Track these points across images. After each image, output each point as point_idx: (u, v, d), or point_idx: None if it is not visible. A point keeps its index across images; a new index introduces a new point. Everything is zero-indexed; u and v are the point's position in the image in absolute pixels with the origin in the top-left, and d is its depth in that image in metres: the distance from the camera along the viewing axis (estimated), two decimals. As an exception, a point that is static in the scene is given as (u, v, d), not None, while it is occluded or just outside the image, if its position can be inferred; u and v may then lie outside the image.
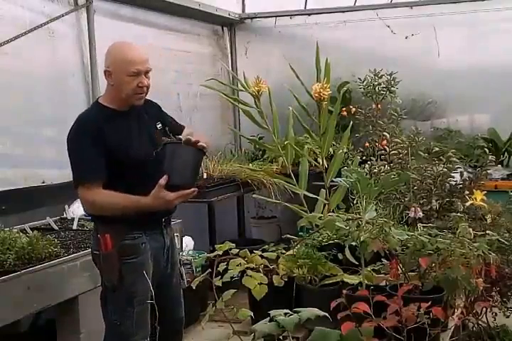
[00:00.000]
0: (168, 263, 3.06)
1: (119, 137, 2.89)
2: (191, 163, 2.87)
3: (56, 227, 4.01)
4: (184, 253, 4.75)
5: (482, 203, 2.71)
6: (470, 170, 3.34)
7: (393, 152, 3.41)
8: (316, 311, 1.93)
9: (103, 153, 2.81)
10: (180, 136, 2.97)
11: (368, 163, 3.54)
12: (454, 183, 3.19)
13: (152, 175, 2.86)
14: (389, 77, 5.73)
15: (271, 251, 2.60)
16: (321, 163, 2.34)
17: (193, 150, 2.82)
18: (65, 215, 4.33)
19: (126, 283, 2.85)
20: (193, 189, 2.85)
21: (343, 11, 6.58)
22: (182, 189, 2.82)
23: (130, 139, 2.93)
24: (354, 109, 5.69)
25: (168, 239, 3.05)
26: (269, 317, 1.92)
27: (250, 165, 6.04)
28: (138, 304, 2.87)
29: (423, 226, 2.55)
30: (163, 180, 2.76)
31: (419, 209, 2.77)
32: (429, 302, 1.87)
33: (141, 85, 2.87)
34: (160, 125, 3.09)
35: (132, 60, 2.86)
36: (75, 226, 4.05)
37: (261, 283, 2.26)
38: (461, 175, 3.25)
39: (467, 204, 2.88)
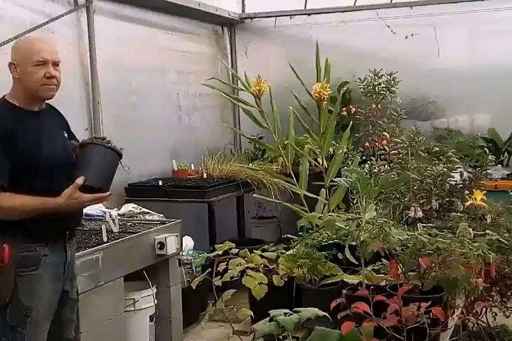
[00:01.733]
0: (67, 280, 2.82)
1: (30, 140, 2.66)
2: (111, 166, 2.79)
3: (56, 227, 4.01)
4: (184, 253, 4.75)
5: (482, 203, 2.71)
6: (470, 170, 3.34)
7: (393, 152, 3.41)
8: (316, 311, 1.93)
9: (10, 156, 2.56)
10: (104, 136, 2.88)
11: (368, 163, 3.54)
12: (454, 183, 3.19)
13: (59, 185, 2.66)
14: (389, 77, 5.73)
15: (271, 251, 2.60)
16: (321, 163, 2.34)
17: (114, 154, 2.76)
18: (65, 215, 4.33)
19: (20, 298, 2.58)
20: (109, 192, 2.74)
21: (343, 11, 6.58)
22: (98, 191, 2.69)
23: (41, 143, 2.69)
24: (354, 109, 5.68)
25: (69, 253, 2.82)
26: (269, 317, 1.92)
27: (250, 165, 6.04)
28: (32, 324, 2.60)
29: (423, 226, 2.55)
30: (80, 180, 2.61)
31: (419, 209, 2.77)
32: (429, 302, 1.87)
33: (48, 75, 2.66)
34: (66, 135, 2.87)
35: (38, 49, 2.68)
36: (74, 226, 4.05)
37: (261, 283, 2.26)
38: (461, 175, 3.25)
39: (467, 204, 2.87)
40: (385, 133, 3.79)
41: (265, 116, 2.34)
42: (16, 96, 2.71)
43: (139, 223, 4.27)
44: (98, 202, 2.79)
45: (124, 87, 5.40)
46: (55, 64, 2.71)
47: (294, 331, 1.90)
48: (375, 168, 3.36)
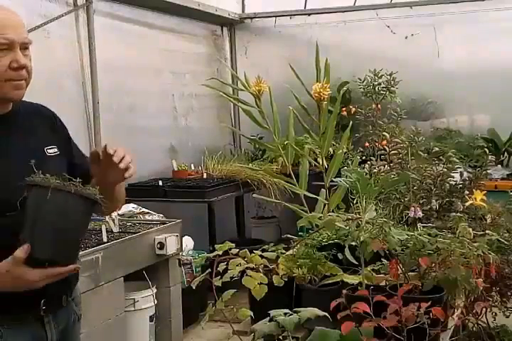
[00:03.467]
0: None
1: None
2: (73, 224, 1.74)
3: (56, 227, 4.02)
4: (184, 253, 4.75)
5: (482, 203, 2.71)
6: (470, 170, 3.34)
7: (393, 152, 3.41)
8: (316, 311, 1.93)
9: None
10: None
11: (368, 163, 3.54)
12: (453, 183, 3.19)
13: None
14: (389, 77, 5.73)
15: (271, 251, 2.59)
16: (321, 163, 2.33)
17: (79, 202, 1.71)
18: (64, 215, 4.33)
19: None
20: (74, 266, 1.76)
21: (343, 11, 6.59)
22: (55, 265, 1.75)
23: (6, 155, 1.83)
24: (354, 109, 5.69)
25: (55, 332, 1.89)
26: (269, 317, 1.92)
27: (250, 165, 6.05)
28: None
29: (423, 226, 2.54)
30: (21, 252, 1.68)
31: (419, 209, 2.77)
32: (429, 303, 1.86)
33: (16, 66, 1.77)
34: (55, 150, 1.96)
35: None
36: (74, 226, 4.05)
37: (261, 283, 2.26)
38: (461, 175, 3.25)
39: (467, 204, 2.87)
40: (385, 133, 3.79)
41: (265, 117, 2.34)
42: None
43: (139, 223, 4.27)
44: (61, 278, 1.77)
45: (121, 87, 5.40)
46: (25, 47, 1.82)
47: (294, 331, 1.90)
48: (375, 168, 3.36)
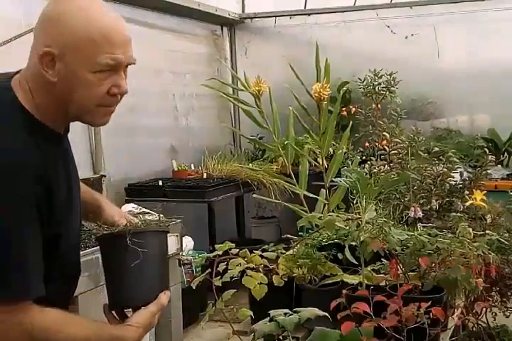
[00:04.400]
0: None
1: (62, 196, 1.55)
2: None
3: (56, 227, 4.01)
4: (184, 253, 4.75)
5: (482, 203, 2.71)
6: (470, 170, 3.34)
7: (393, 152, 3.41)
8: (316, 311, 1.93)
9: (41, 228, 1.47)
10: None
11: (368, 163, 3.54)
12: (453, 183, 3.19)
13: (72, 262, 1.70)
14: (389, 77, 5.73)
15: (271, 251, 2.59)
16: (321, 163, 2.33)
17: (165, 236, 1.82)
18: (65, 215, 4.33)
19: None
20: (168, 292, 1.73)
21: (343, 11, 6.59)
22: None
23: (71, 193, 1.60)
24: (354, 109, 5.69)
25: None
26: (269, 317, 1.92)
27: (250, 165, 6.05)
28: None
29: (423, 226, 2.55)
30: (166, 298, 1.68)
31: (419, 209, 2.77)
32: (429, 303, 1.86)
33: (116, 91, 1.51)
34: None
35: (112, 40, 1.48)
36: (74, 226, 4.05)
37: (261, 283, 2.26)
38: (461, 175, 3.25)
39: (467, 204, 2.87)
40: (385, 133, 3.79)
41: (265, 117, 2.34)
42: (39, 106, 1.49)
43: (139, 223, 4.26)
44: None
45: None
46: (127, 67, 1.58)
47: (294, 331, 1.90)
48: (375, 168, 3.36)
